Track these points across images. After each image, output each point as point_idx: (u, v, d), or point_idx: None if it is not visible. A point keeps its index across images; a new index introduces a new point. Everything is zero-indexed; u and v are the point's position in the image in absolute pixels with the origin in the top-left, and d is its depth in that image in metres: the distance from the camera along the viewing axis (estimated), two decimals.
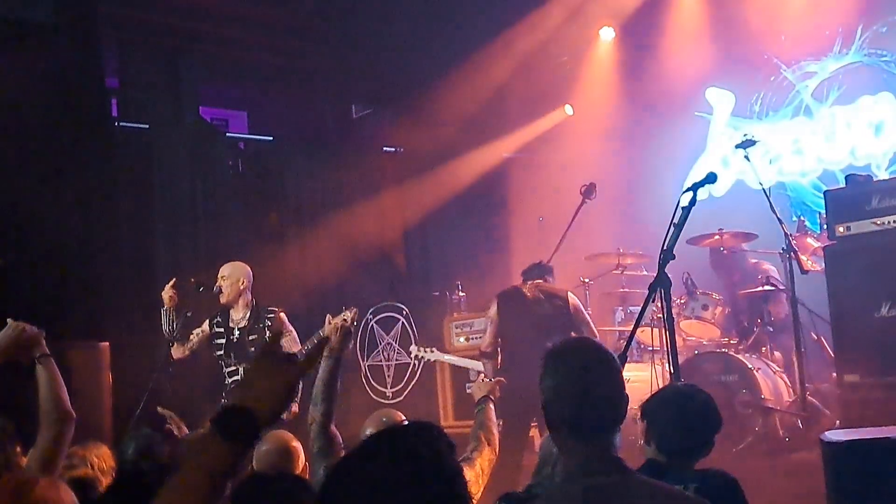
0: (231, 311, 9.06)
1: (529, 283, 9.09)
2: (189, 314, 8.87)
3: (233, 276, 9.03)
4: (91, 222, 10.29)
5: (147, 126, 11.65)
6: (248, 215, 11.81)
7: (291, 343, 8.86)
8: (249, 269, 9.18)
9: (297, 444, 5.74)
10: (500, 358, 9.08)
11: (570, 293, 9.03)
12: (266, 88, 13.99)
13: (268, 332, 8.89)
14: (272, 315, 8.98)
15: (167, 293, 8.69)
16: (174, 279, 8.78)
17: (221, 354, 9.05)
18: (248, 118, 14.35)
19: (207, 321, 9.17)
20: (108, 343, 8.85)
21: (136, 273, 10.86)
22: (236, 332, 9.01)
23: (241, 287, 9.02)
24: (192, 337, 9.10)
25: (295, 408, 7.98)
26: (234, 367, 8.99)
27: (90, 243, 10.19)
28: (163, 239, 11.46)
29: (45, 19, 10.37)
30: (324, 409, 5.57)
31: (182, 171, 11.75)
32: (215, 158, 12.32)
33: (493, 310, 9.13)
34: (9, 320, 4.72)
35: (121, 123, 11.46)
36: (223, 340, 9.06)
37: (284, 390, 2.52)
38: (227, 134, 13.32)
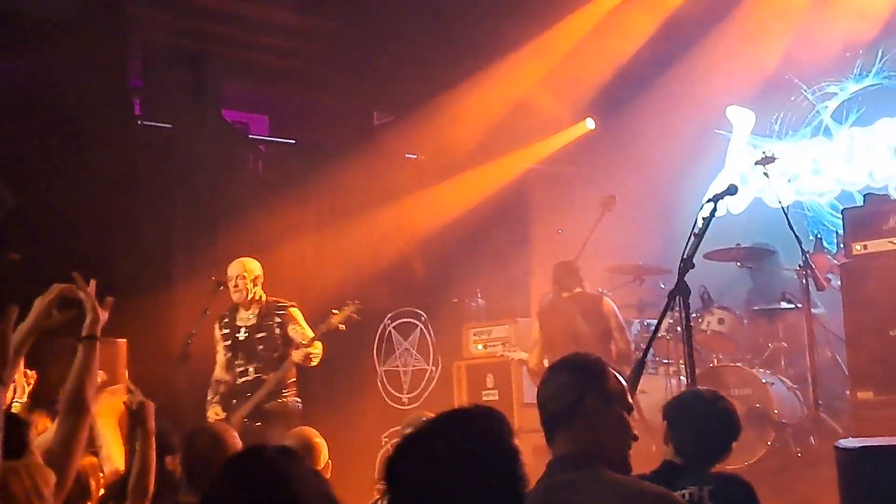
0: (240, 309, 9.06)
1: (566, 294, 9.67)
2: (207, 312, 8.91)
3: (246, 272, 9.01)
4: (111, 219, 10.35)
5: (170, 126, 11.70)
6: (268, 218, 11.82)
7: (300, 337, 8.84)
8: (258, 264, 9.15)
9: (320, 441, 5.80)
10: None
11: (604, 298, 9.72)
12: (288, 93, 14.03)
13: (278, 329, 8.91)
14: (283, 311, 8.95)
15: None
16: None
17: (230, 356, 9.04)
18: (269, 122, 14.37)
19: (217, 324, 9.20)
20: (125, 340, 8.86)
21: (154, 271, 10.89)
22: (243, 332, 8.98)
23: (251, 281, 8.98)
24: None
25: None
26: (243, 368, 8.95)
27: (110, 240, 10.25)
28: (182, 238, 11.47)
29: (71, 17, 10.45)
30: None
31: (203, 171, 11.77)
32: (236, 160, 12.39)
33: (536, 329, 9.94)
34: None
35: (143, 122, 11.51)
36: (230, 341, 9.05)
37: None
38: (250, 136, 13.36)
